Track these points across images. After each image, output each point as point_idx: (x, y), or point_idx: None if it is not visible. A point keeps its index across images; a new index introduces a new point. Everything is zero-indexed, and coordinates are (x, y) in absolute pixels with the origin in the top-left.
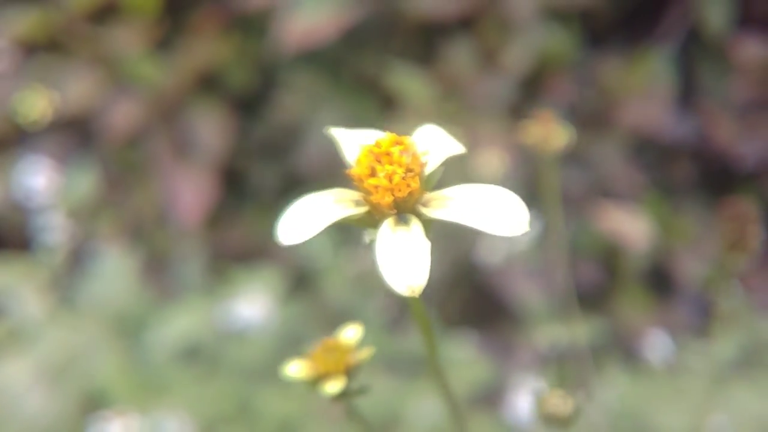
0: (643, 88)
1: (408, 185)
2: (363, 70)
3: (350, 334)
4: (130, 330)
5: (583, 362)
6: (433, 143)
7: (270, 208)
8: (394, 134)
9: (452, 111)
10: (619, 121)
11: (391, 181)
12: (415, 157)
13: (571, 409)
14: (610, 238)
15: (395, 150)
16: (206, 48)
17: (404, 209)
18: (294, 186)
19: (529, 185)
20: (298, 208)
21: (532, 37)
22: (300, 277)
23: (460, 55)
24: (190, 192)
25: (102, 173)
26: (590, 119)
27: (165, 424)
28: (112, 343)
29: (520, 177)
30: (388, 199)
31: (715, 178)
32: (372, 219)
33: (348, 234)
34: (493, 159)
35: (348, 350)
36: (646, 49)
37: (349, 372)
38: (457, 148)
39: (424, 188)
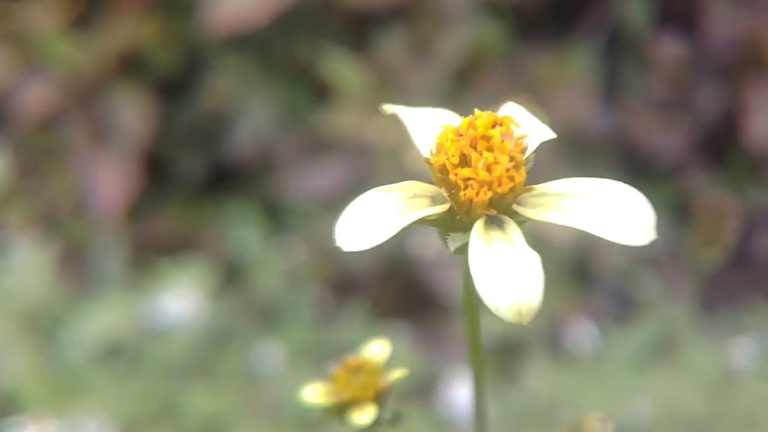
0: (570, 82)
1: (511, 178)
2: (295, 57)
3: (377, 350)
4: (44, 327)
5: (512, 352)
6: (523, 126)
7: (196, 199)
8: (491, 112)
9: (387, 100)
10: (547, 115)
11: (490, 172)
12: (517, 143)
13: None
14: (536, 230)
15: (495, 133)
16: (127, 28)
17: (498, 208)
18: (223, 175)
19: None
20: (362, 207)
21: (464, 29)
22: (229, 270)
23: (393, 44)
24: (109, 180)
25: (12, 158)
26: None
27: (83, 427)
28: (25, 342)
29: None
30: (484, 195)
31: (635, 173)
32: (452, 220)
33: (278, 224)
34: None
35: (376, 371)
36: (573, 44)
37: (379, 398)
38: (547, 132)
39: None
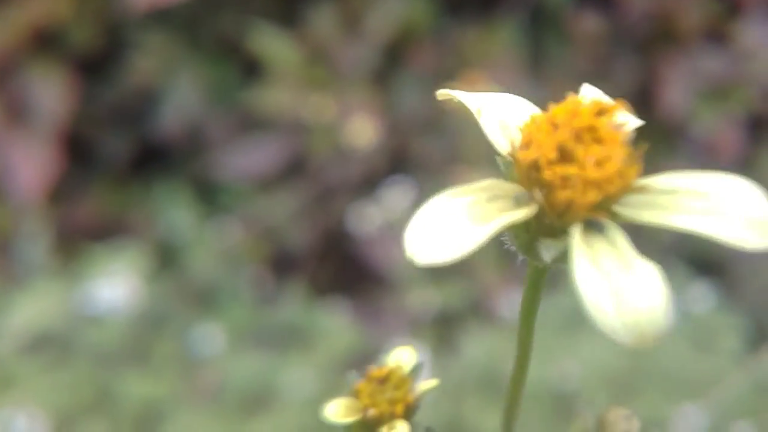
0: (497, 57)
1: (622, 176)
2: (222, 32)
3: (403, 357)
4: None
5: (450, 321)
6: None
7: (124, 180)
8: (596, 99)
9: (320, 77)
10: (476, 90)
11: (602, 169)
12: (624, 134)
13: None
14: None
15: (603, 122)
16: (41, 2)
17: (597, 211)
18: (150, 156)
19: (396, 153)
20: (437, 212)
21: (393, 5)
22: (163, 253)
23: (324, 20)
24: (28, 162)
25: None
26: (450, 87)
27: (13, 422)
28: None
29: (388, 145)
30: (593, 197)
31: None
32: (537, 224)
33: (212, 205)
34: (367, 126)
35: (403, 382)
36: (498, 19)
37: (410, 413)
38: (635, 119)
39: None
